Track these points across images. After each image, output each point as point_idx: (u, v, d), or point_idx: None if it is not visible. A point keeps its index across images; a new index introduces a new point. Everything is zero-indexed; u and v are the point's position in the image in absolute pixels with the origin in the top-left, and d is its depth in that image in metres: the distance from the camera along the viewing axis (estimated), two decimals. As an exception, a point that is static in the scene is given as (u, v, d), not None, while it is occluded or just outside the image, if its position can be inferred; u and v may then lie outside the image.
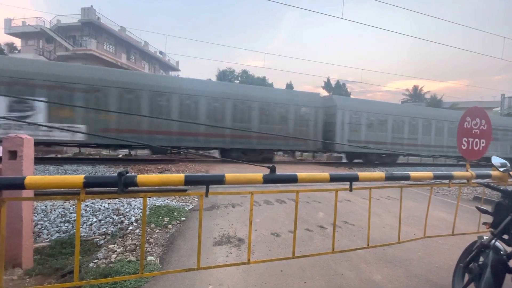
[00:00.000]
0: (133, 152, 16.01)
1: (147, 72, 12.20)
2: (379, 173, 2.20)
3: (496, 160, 2.41)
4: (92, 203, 4.49)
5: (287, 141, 13.16)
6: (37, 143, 11.20)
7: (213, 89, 12.60)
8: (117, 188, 1.44)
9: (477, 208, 2.06)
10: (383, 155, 15.61)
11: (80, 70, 10.96)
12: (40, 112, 9.64)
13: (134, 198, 4.88)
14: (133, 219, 4.06)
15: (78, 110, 10.12)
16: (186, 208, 4.74)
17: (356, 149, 13.94)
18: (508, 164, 2.42)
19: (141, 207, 4.51)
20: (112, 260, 2.86)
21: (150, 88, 11.07)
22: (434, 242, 3.46)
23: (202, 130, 11.57)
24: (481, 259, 1.94)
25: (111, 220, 4.03)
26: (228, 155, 12.60)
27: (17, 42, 31.07)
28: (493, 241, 1.88)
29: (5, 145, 2.51)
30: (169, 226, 3.88)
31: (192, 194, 1.89)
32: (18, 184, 1.37)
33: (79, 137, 10.24)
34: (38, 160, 9.40)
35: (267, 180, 1.74)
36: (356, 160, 16.14)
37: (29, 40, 29.78)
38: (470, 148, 2.75)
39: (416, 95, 40.10)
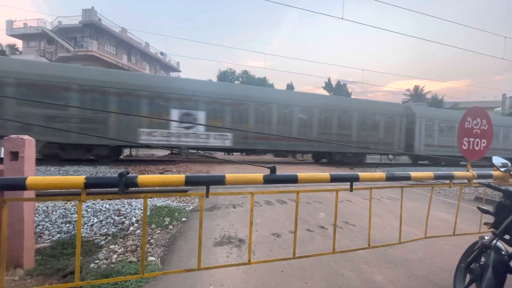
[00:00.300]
0: (133, 153, 16.05)
1: (276, 89, 17.19)
2: (379, 173, 2.20)
3: (497, 160, 2.41)
4: (93, 203, 4.50)
5: (378, 145, 15.02)
6: (199, 148, 12.48)
7: (324, 101, 14.64)
8: (118, 189, 1.44)
9: (478, 208, 2.06)
10: (450, 157, 16.41)
11: (230, 88, 13.70)
12: (201, 122, 11.66)
13: (135, 198, 4.88)
14: (134, 219, 4.07)
15: (227, 121, 12.15)
16: (187, 209, 4.74)
17: (426, 152, 15.86)
18: (509, 164, 2.42)
19: (142, 208, 4.52)
20: (113, 260, 2.86)
21: (278, 101, 13.15)
22: (435, 243, 3.45)
23: (315, 137, 13.64)
24: (483, 259, 1.94)
25: (112, 220, 4.04)
26: (332, 158, 14.59)
27: (19, 43, 31.24)
28: (495, 241, 1.87)
29: (7, 146, 2.52)
30: (170, 226, 3.88)
31: (193, 194, 1.89)
32: (20, 185, 1.38)
33: (227, 144, 12.30)
34: (40, 161, 9.44)
35: (267, 180, 1.74)
36: (420, 162, 17.43)
37: (31, 41, 29.90)
38: (471, 148, 2.74)
39: (417, 95, 40.00)
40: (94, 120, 10.51)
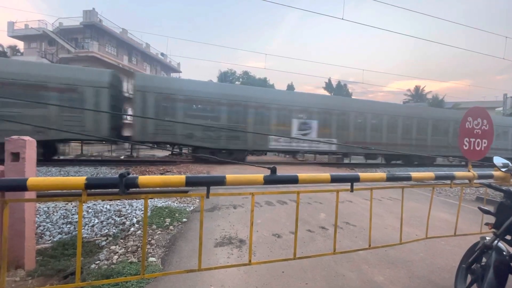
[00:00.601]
0: (134, 154, 16.07)
1: (371, 100, 20.50)
2: (380, 173, 2.19)
3: (498, 160, 2.41)
4: (94, 204, 4.51)
5: (447, 149, 16.49)
6: (312, 152, 15.92)
7: (406, 111, 16.78)
8: (118, 190, 1.45)
9: (479, 208, 2.05)
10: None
11: (337, 100, 16.47)
12: (314, 130, 13.76)
13: (136, 199, 4.89)
14: (134, 220, 4.07)
15: (333, 128, 14.10)
16: (187, 209, 4.74)
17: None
18: (510, 164, 2.41)
19: (143, 209, 4.52)
20: (114, 261, 2.87)
21: (371, 111, 15.26)
22: (436, 243, 3.44)
23: (399, 141, 15.57)
24: (484, 260, 1.93)
25: (112, 221, 4.04)
26: (408, 160, 16.39)
27: (20, 45, 31.28)
28: (496, 241, 1.87)
29: (8, 147, 2.53)
30: (171, 227, 3.88)
31: (193, 195, 1.90)
32: (21, 186, 1.39)
33: (333, 149, 14.31)
34: (40, 162, 9.45)
35: (268, 181, 1.74)
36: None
37: (32, 42, 29.96)
38: (472, 148, 2.74)
39: (418, 95, 39.96)
40: (237, 129, 11.94)
